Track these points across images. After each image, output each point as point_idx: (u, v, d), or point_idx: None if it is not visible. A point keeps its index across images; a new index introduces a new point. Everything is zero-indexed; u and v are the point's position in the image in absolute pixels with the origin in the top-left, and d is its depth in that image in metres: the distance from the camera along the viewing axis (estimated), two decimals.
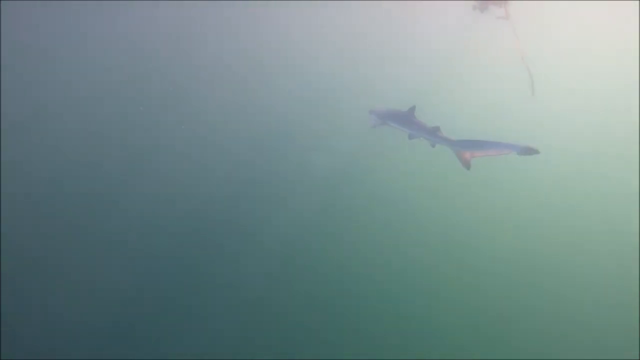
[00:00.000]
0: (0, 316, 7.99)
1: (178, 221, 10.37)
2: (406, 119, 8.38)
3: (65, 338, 7.89)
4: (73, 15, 17.31)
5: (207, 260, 9.56)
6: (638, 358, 8.53)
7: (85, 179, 11.20)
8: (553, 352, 8.54)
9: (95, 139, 12.49)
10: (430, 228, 11.07)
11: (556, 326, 9.02)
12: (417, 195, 11.98)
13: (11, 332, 7.81)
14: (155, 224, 10.26)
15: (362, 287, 9.35)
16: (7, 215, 9.81)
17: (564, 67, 19.21)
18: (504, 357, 8.28)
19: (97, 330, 8.05)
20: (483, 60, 19.08)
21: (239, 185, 11.63)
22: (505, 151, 7.27)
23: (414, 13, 21.13)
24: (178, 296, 8.83)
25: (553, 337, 8.81)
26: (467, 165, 7.73)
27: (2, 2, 15.84)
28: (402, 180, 12.42)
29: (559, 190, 12.92)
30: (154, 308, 8.59)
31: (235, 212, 10.81)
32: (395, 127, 8.58)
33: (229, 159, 12.48)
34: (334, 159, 12.82)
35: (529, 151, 6.94)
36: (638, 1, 20.33)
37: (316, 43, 18.81)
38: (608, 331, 8.94)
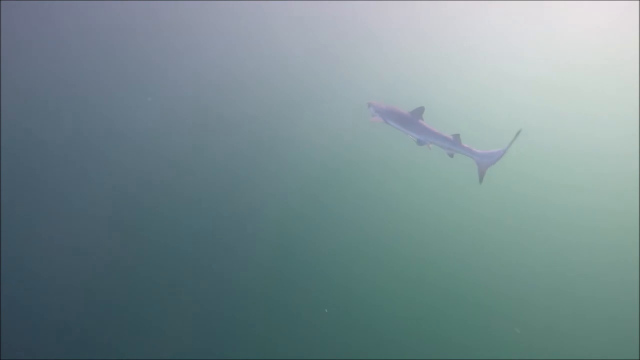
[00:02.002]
0: (0, 316, 7.99)
1: (176, 220, 10.38)
2: (413, 121, 7.61)
3: (65, 338, 7.89)
4: (73, 14, 17.31)
5: (203, 256, 9.58)
6: (638, 358, 8.53)
7: (83, 177, 11.20)
8: (553, 352, 8.55)
9: (94, 138, 12.49)
10: (429, 226, 11.08)
11: (556, 326, 9.03)
12: (414, 192, 11.98)
13: (11, 332, 7.81)
14: (154, 223, 10.27)
15: (358, 285, 9.36)
16: (7, 216, 9.81)
17: (564, 67, 19.20)
18: (504, 356, 8.28)
19: (97, 330, 8.06)
20: (482, 59, 19.07)
21: (235, 184, 11.63)
22: (503, 153, 6.85)
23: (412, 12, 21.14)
24: (179, 296, 8.84)
25: (553, 337, 8.81)
26: (482, 177, 7.16)
27: (2, 2, 15.83)
28: (397, 178, 12.40)
29: (559, 189, 12.93)
30: (155, 308, 8.59)
31: (232, 209, 10.81)
32: (398, 128, 7.84)
33: (225, 157, 12.50)
34: (330, 156, 12.81)
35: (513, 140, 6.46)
36: (638, 1, 20.34)
37: (311, 41, 18.76)
38: (608, 331, 8.95)
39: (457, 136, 7.20)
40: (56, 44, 15.74)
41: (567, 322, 9.18)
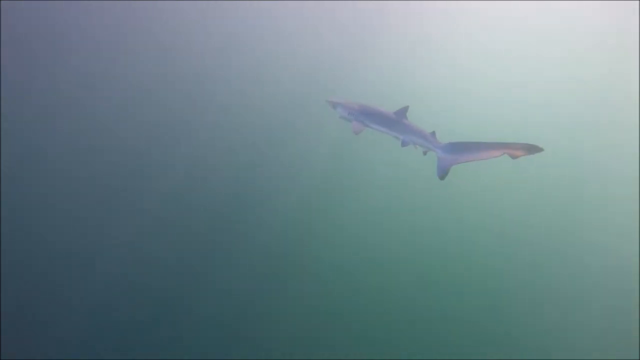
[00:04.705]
0: (0, 316, 7.98)
1: (175, 223, 10.39)
2: (396, 121, 6.96)
3: (65, 338, 7.89)
4: (73, 14, 17.31)
5: (202, 260, 9.59)
6: (638, 358, 8.52)
7: (83, 179, 11.20)
8: (553, 352, 8.55)
9: (95, 139, 12.50)
10: (427, 228, 11.07)
11: (556, 326, 9.03)
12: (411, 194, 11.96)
13: (11, 332, 7.80)
14: (152, 224, 10.27)
15: (354, 287, 9.37)
16: (6, 216, 9.81)
17: (564, 67, 19.20)
18: (504, 357, 8.28)
19: (97, 330, 8.06)
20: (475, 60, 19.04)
21: (232, 188, 11.63)
22: (498, 153, 6.08)
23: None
24: (177, 296, 8.84)
25: (553, 338, 8.81)
26: (443, 174, 6.55)
27: (2, 2, 15.82)
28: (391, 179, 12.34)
29: (559, 191, 12.92)
30: (153, 308, 8.59)
31: (228, 213, 10.81)
32: (379, 130, 7.09)
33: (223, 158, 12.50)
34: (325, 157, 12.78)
35: (530, 150, 5.80)
36: (638, 1, 20.32)
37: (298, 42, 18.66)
38: (608, 331, 8.95)
39: (432, 134, 6.78)
40: (56, 44, 15.74)
41: (567, 322, 9.17)
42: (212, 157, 12.60)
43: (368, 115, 7.03)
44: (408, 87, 16.75)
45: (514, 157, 6.00)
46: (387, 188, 12.15)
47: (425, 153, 7.03)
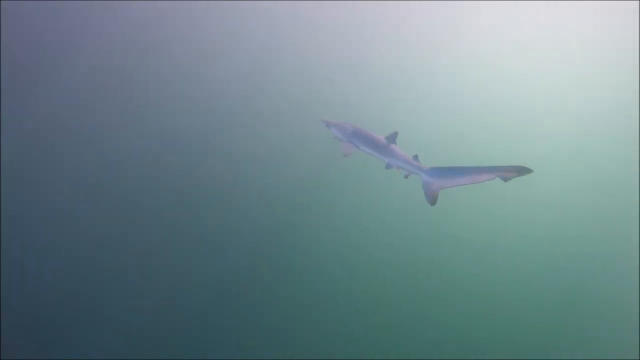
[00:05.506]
0: (0, 316, 7.99)
1: (177, 224, 10.39)
2: (385, 145, 7.06)
3: (65, 338, 7.89)
4: (74, 14, 17.30)
5: (195, 261, 9.61)
6: (638, 358, 8.53)
7: (85, 182, 11.21)
8: (554, 352, 8.55)
9: (96, 142, 12.50)
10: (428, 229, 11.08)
11: (557, 326, 9.03)
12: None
13: (11, 332, 7.81)
14: (151, 225, 10.28)
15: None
16: (6, 217, 9.81)
17: (563, 67, 19.20)
18: (505, 356, 8.29)
19: (96, 330, 8.07)
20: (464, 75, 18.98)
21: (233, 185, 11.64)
22: (486, 177, 6.00)
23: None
24: (174, 297, 8.85)
25: (554, 338, 8.82)
26: (433, 199, 6.46)
27: (2, 2, 15.82)
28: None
29: (557, 193, 12.92)
30: (152, 308, 8.60)
31: (223, 216, 10.82)
32: (368, 152, 7.18)
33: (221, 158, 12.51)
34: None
35: (520, 171, 5.74)
36: (638, 1, 20.29)
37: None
38: (608, 331, 8.96)
39: (415, 157, 6.73)
40: (56, 45, 15.73)
41: (567, 322, 9.18)
42: (211, 160, 12.61)
43: (360, 138, 7.22)
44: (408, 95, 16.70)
45: (505, 179, 5.93)
46: (378, 190, 12.15)
47: (406, 176, 6.97)
